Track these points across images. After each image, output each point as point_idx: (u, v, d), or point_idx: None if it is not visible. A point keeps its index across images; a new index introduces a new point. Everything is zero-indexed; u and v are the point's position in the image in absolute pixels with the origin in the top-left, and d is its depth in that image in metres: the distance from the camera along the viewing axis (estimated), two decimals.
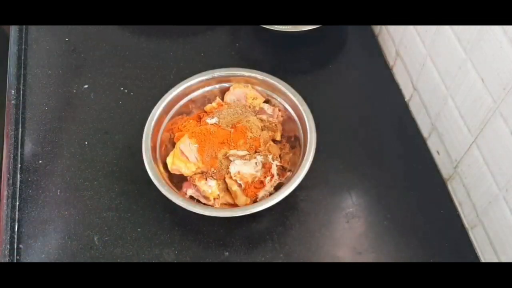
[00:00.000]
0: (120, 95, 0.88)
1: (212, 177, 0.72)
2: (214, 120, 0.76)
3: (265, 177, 0.72)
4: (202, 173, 0.73)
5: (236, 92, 0.80)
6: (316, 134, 0.72)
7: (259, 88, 0.80)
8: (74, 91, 0.89)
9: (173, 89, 0.77)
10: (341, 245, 0.72)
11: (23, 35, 0.96)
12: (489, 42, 0.58)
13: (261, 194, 0.71)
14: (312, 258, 0.71)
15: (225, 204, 0.73)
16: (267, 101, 0.80)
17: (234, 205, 0.72)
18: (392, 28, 0.87)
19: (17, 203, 0.75)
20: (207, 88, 0.80)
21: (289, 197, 0.67)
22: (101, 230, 0.73)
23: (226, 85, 0.80)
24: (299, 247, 0.71)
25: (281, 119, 0.79)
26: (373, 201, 0.75)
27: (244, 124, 0.75)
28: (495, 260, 0.66)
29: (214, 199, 0.71)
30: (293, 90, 0.76)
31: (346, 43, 0.95)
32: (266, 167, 0.73)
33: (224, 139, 0.74)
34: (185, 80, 0.78)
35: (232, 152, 0.73)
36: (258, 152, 0.74)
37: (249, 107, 0.79)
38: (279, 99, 0.79)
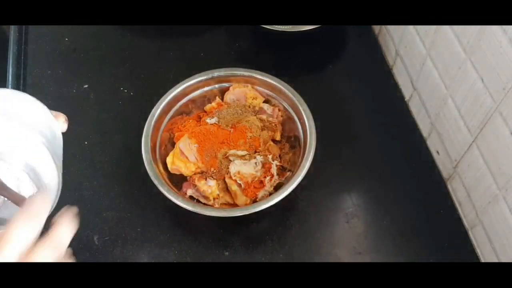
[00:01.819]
0: (120, 95, 0.88)
1: (212, 177, 0.72)
2: (214, 120, 0.76)
3: (264, 177, 0.72)
4: (202, 173, 0.73)
5: (236, 92, 0.80)
6: (316, 134, 0.72)
7: (259, 88, 0.80)
8: (74, 91, 0.89)
9: (173, 89, 0.77)
10: (341, 245, 0.72)
11: (23, 35, 0.96)
12: (489, 42, 0.58)
13: (261, 194, 0.71)
14: (312, 258, 0.71)
15: (225, 204, 0.73)
16: (267, 101, 0.80)
17: (234, 205, 0.72)
18: (392, 28, 0.87)
19: None
20: (206, 88, 0.80)
21: (289, 197, 0.67)
22: (101, 230, 0.73)
23: (226, 85, 0.80)
24: (299, 247, 0.71)
25: (280, 119, 0.79)
26: (373, 201, 0.75)
27: (244, 124, 0.75)
28: (495, 260, 0.66)
29: (214, 199, 0.71)
30: (293, 90, 0.76)
31: (346, 43, 0.95)
32: (266, 167, 0.73)
33: (224, 139, 0.74)
34: (185, 80, 0.78)
35: (232, 152, 0.73)
36: (258, 152, 0.74)
37: (249, 107, 0.79)
38: (279, 99, 0.78)
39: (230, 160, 0.73)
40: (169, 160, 0.74)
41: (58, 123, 0.52)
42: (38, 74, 0.91)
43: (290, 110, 0.77)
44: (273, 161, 0.73)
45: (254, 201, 0.71)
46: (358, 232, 0.73)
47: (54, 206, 0.49)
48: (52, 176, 0.49)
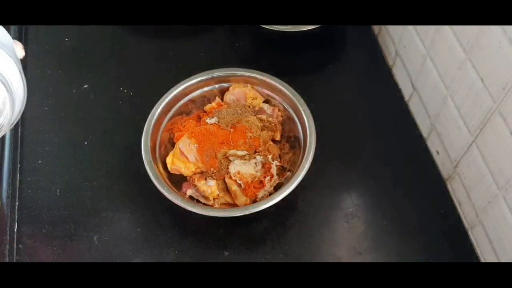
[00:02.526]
0: (120, 95, 0.88)
1: (212, 177, 0.72)
2: (213, 120, 0.76)
3: (264, 177, 0.72)
4: (201, 173, 0.73)
5: (236, 92, 0.80)
6: (316, 134, 0.72)
7: (259, 88, 0.80)
8: (74, 91, 0.89)
9: (172, 89, 0.77)
10: (341, 245, 0.72)
11: (23, 35, 0.96)
12: (489, 42, 0.58)
13: (260, 194, 0.71)
14: (312, 258, 0.71)
15: (225, 204, 0.73)
16: (266, 101, 0.80)
17: (234, 205, 0.72)
18: (392, 28, 0.87)
19: (17, 203, 0.75)
20: (206, 88, 0.80)
21: (288, 197, 0.67)
22: (101, 230, 0.73)
23: (226, 85, 0.80)
24: (299, 247, 0.71)
25: (280, 119, 0.79)
26: (373, 201, 0.75)
27: (244, 124, 0.75)
28: (495, 260, 0.66)
29: (213, 199, 0.71)
30: (293, 90, 0.76)
31: (346, 43, 0.95)
32: (265, 167, 0.73)
33: (224, 139, 0.74)
34: (185, 80, 0.78)
35: (232, 152, 0.73)
36: (258, 152, 0.74)
37: (249, 107, 0.79)
38: (279, 99, 0.79)
39: (230, 160, 0.73)
40: (169, 160, 0.74)
41: (17, 49, 0.55)
42: (38, 74, 0.91)
43: (290, 110, 0.77)
44: (273, 161, 0.73)
45: (254, 201, 0.71)
46: (358, 232, 0.73)
47: (21, 112, 0.53)
48: (18, 85, 0.52)
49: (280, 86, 0.77)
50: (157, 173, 0.70)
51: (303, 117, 0.74)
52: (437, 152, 0.78)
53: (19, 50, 0.56)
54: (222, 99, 0.81)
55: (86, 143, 0.82)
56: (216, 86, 0.80)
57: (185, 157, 0.73)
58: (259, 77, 0.79)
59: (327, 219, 0.74)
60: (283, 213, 0.74)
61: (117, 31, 0.98)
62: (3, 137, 0.82)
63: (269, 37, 0.94)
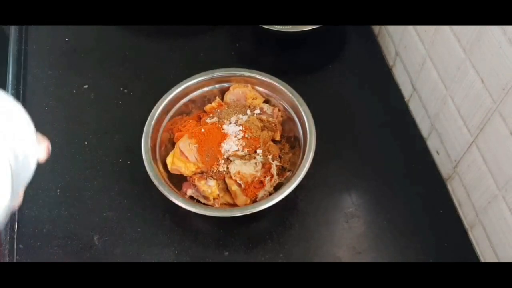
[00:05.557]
0: (120, 95, 0.88)
1: (212, 177, 0.72)
2: (214, 120, 0.76)
3: (264, 177, 0.72)
4: (202, 173, 0.73)
5: (236, 92, 0.80)
6: (316, 134, 0.72)
7: (259, 88, 0.80)
8: (74, 91, 0.89)
9: (173, 89, 0.77)
10: (340, 245, 0.72)
11: (23, 35, 0.96)
12: (488, 42, 0.58)
13: (260, 194, 0.71)
14: (312, 258, 0.71)
15: (225, 204, 0.73)
16: (267, 101, 0.80)
17: (234, 205, 0.72)
18: (392, 28, 0.87)
19: None
20: (206, 88, 0.80)
21: (288, 197, 0.67)
22: (101, 230, 0.73)
23: (226, 85, 0.80)
24: (299, 247, 0.71)
25: (280, 119, 0.79)
26: (372, 201, 0.75)
27: (244, 124, 0.75)
28: (495, 260, 0.66)
29: (214, 199, 0.71)
30: (293, 90, 0.76)
31: (346, 43, 0.95)
32: (265, 167, 0.73)
33: (224, 139, 0.74)
34: (185, 80, 0.78)
35: (231, 152, 0.73)
36: (258, 152, 0.74)
37: (249, 107, 0.79)
38: (279, 99, 0.79)
39: (230, 160, 0.73)
40: (169, 160, 0.74)
41: (38, 149, 0.50)
42: (38, 74, 0.91)
43: (290, 110, 0.77)
44: (273, 161, 0.73)
45: (254, 201, 0.71)
46: (358, 232, 0.73)
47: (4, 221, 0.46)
48: (4, 194, 0.45)
49: (280, 86, 0.77)
50: (157, 173, 0.70)
51: (303, 117, 0.74)
52: (437, 152, 0.78)
53: (42, 150, 0.50)
54: (222, 99, 0.81)
55: (86, 143, 0.82)
56: (216, 86, 0.80)
57: (185, 157, 0.73)
58: (259, 77, 0.79)
59: (327, 219, 0.74)
60: (283, 213, 0.74)
61: (117, 31, 0.98)
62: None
63: (269, 37, 0.94)
